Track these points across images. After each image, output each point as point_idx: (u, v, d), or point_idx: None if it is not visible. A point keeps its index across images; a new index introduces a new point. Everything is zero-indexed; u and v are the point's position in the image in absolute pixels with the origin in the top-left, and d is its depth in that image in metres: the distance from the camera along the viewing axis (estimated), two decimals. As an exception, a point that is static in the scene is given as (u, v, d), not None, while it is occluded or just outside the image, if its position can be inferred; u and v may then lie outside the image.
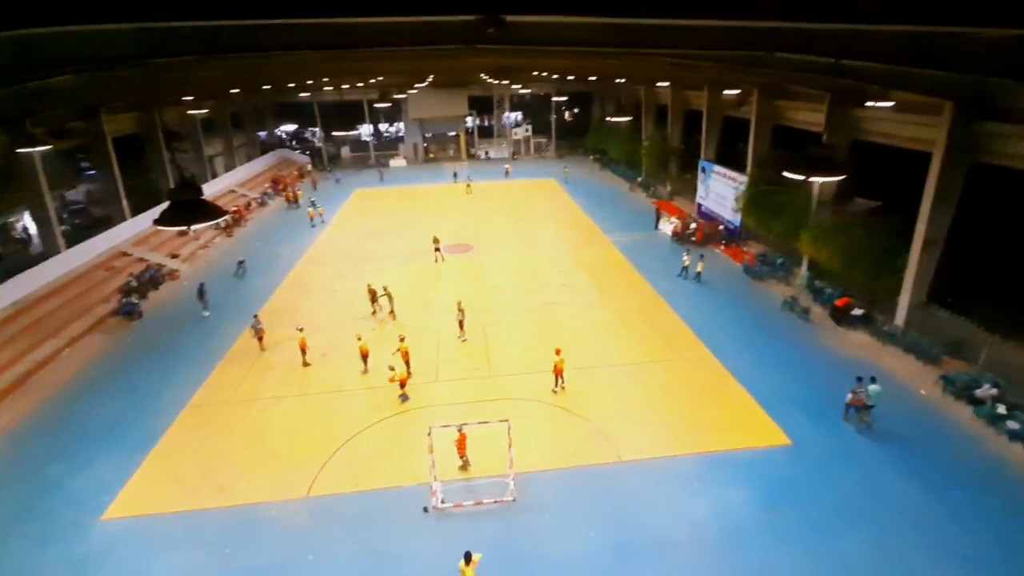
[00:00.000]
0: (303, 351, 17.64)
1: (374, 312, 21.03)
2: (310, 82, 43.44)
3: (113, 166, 28.66)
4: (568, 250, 28.25)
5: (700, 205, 31.81)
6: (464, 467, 12.79)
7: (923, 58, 10.60)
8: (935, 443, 13.32)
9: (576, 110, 59.85)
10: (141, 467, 13.43)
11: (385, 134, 59.08)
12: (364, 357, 16.95)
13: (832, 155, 11.23)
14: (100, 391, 16.92)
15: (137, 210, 28.96)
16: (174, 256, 27.69)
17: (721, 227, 28.83)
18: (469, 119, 57.03)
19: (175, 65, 15.95)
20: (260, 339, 18.69)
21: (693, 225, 29.35)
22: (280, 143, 56.42)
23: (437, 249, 27.12)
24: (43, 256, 23.74)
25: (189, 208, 6.07)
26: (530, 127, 57.30)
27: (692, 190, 33.16)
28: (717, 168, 29.65)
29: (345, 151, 56.76)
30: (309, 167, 52.05)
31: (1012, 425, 12.95)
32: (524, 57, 27.89)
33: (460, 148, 56.82)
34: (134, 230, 27.88)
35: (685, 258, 24.18)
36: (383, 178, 47.85)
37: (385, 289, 21.04)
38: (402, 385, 15.57)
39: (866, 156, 20.48)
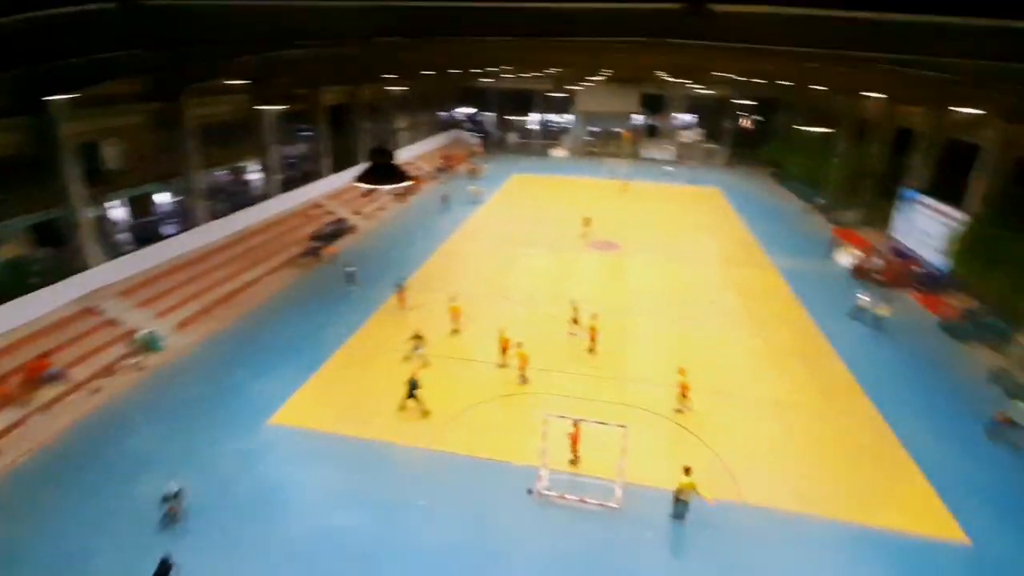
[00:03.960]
0: (455, 318, 18.89)
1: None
2: (494, 69, 45.79)
3: (323, 130, 33.47)
4: (721, 266, 26.28)
5: (894, 239, 27.27)
6: (574, 462, 12.76)
7: None
8: None
9: (759, 117, 54.81)
10: (303, 386, 15.73)
11: (550, 125, 60.13)
12: (504, 349, 16.84)
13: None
14: (283, 316, 20.12)
15: (335, 169, 33.70)
16: (356, 213, 31.53)
17: (917, 269, 24.42)
18: (638, 117, 55.52)
19: (390, 45, 17.90)
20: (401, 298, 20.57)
21: (879, 261, 25.31)
22: (456, 124, 60.59)
23: (587, 225, 29.54)
24: (262, 198, 28.68)
25: (384, 171, 6.84)
26: (702, 132, 53.94)
27: (885, 220, 28.57)
28: (925, 200, 25.09)
29: (512, 137, 59.13)
30: (478, 149, 55.29)
31: None
32: (715, 57, 26.22)
33: (623, 145, 55.75)
34: (330, 186, 32.47)
35: (863, 297, 20.98)
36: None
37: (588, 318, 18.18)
38: (522, 367, 15.95)
39: None
